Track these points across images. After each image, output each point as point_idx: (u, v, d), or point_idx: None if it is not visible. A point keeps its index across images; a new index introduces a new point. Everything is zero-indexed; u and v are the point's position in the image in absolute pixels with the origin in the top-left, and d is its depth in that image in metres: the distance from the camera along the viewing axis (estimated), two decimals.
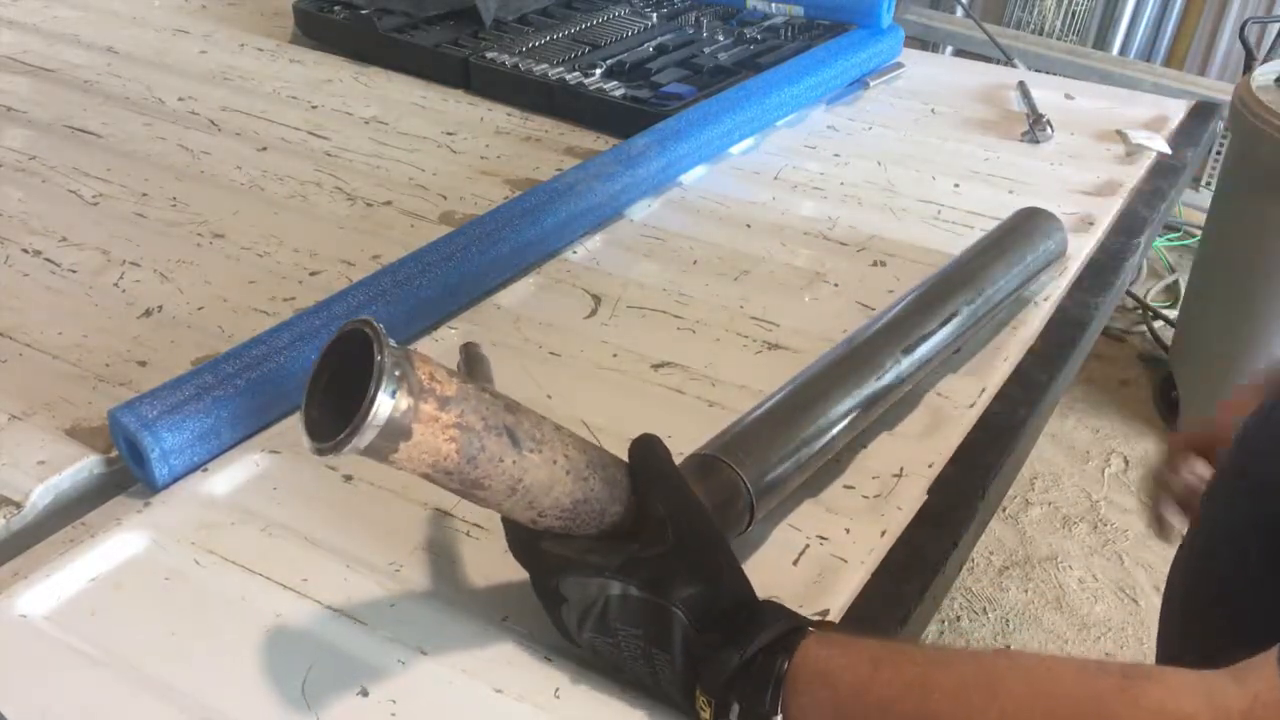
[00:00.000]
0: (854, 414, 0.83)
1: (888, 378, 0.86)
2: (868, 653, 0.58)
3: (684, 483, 0.66)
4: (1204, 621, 0.80)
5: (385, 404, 0.53)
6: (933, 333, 0.90)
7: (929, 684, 0.55)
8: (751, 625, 0.60)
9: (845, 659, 0.58)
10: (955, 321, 0.92)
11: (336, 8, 1.67)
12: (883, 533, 0.78)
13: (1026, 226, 1.06)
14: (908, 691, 0.56)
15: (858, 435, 0.86)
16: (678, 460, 0.74)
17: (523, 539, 0.66)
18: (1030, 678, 0.53)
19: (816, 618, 0.70)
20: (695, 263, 1.14)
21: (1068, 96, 1.57)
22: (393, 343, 0.55)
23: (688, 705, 0.61)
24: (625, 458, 0.68)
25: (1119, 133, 1.44)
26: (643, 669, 0.63)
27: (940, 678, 0.56)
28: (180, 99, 1.48)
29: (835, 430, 0.81)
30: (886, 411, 0.89)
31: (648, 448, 0.67)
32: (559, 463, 0.62)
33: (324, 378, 0.58)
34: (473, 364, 0.77)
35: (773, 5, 1.73)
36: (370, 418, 0.53)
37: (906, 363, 0.88)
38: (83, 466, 0.82)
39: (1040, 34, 3.47)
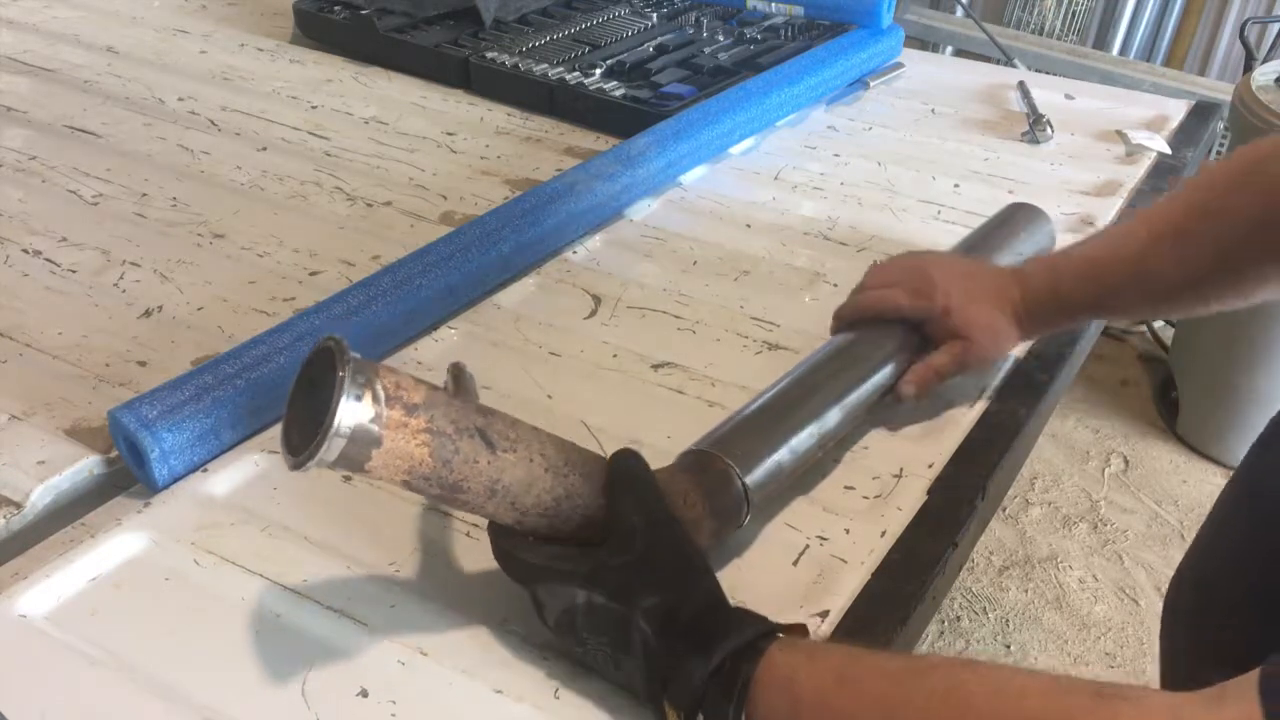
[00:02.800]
0: (848, 407, 0.83)
1: (879, 371, 0.86)
2: (834, 663, 0.58)
3: (659, 494, 0.66)
4: (1216, 644, 0.79)
5: (349, 412, 0.55)
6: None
7: (893, 700, 0.55)
8: (717, 634, 0.59)
9: (809, 669, 0.57)
10: None
11: (336, 8, 1.67)
12: (883, 533, 0.78)
13: (1013, 220, 1.07)
14: (872, 707, 0.55)
15: (857, 435, 0.87)
16: (672, 459, 0.74)
17: (502, 546, 0.66)
18: (998, 695, 0.52)
19: (808, 620, 0.71)
20: (695, 263, 1.14)
21: (1068, 96, 1.57)
22: (357, 355, 0.56)
23: (657, 713, 0.61)
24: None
25: (1119, 133, 1.44)
26: (615, 676, 0.63)
27: (906, 693, 0.55)
28: (180, 99, 1.48)
29: (830, 423, 0.81)
30: (886, 411, 0.89)
31: (627, 460, 0.67)
32: (536, 461, 0.63)
33: (300, 401, 0.59)
34: (459, 383, 0.78)
35: (773, 5, 1.73)
36: (335, 427, 0.54)
37: (898, 356, 0.88)
38: (83, 466, 0.82)
39: (1040, 34, 3.47)
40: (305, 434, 0.57)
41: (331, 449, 0.55)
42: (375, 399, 0.56)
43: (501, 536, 0.66)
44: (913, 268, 0.91)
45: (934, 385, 0.88)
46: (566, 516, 0.64)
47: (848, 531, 0.79)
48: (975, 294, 0.88)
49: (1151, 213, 0.85)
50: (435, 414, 0.59)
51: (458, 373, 0.79)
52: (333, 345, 0.56)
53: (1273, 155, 0.78)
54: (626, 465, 0.67)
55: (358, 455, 0.56)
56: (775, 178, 1.33)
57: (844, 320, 0.93)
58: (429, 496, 0.61)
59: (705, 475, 0.72)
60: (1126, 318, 0.95)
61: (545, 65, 1.51)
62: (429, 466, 0.58)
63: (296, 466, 0.56)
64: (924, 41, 3.19)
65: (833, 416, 0.82)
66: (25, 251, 1.12)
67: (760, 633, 0.60)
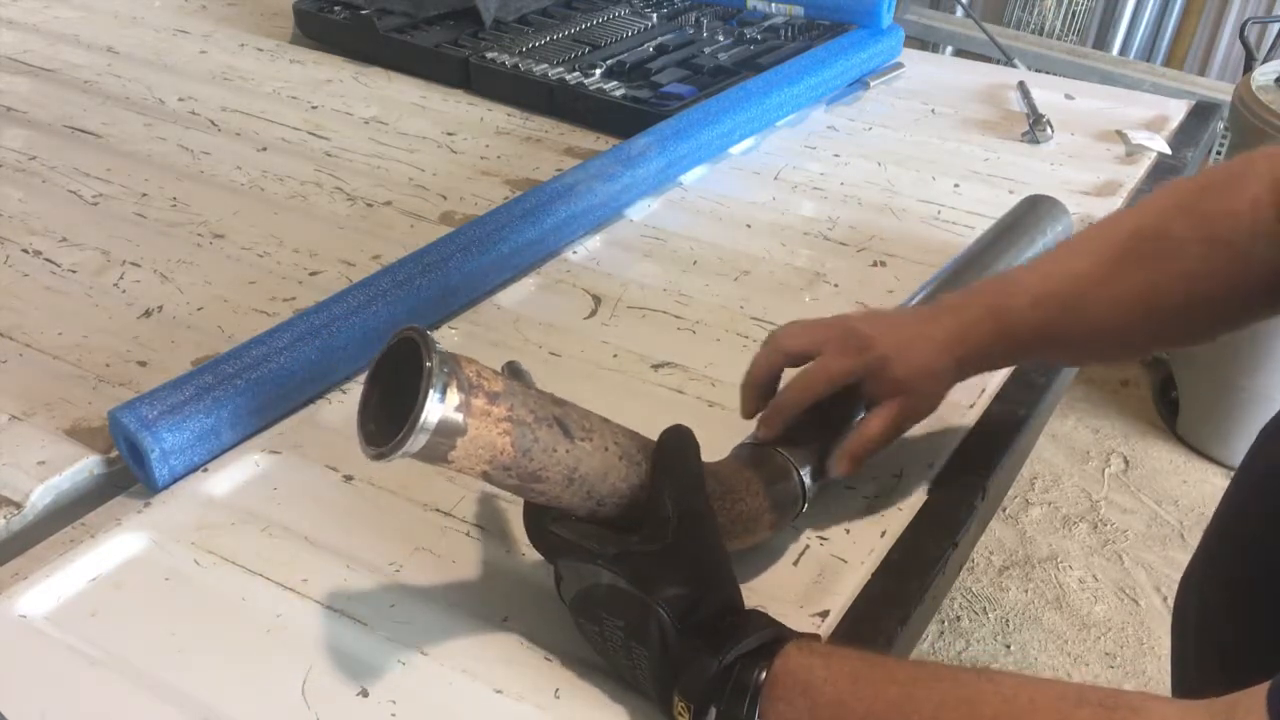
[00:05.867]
0: None
1: None
2: (849, 666, 0.58)
3: (700, 483, 0.65)
4: (1225, 647, 0.79)
5: (437, 402, 0.55)
6: None
7: (908, 704, 0.56)
8: (733, 632, 0.59)
9: (826, 671, 0.58)
10: None
11: (336, 8, 1.67)
12: (883, 533, 0.78)
13: (1034, 213, 1.08)
14: (888, 710, 0.56)
15: None
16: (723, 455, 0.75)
17: (533, 516, 0.67)
18: (1009, 706, 0.53)
19: (807, 629, 0.70)
20: (695, 263, 1.14)
21: (1068, 96, 1.57)
22: (440, 346, 0.56)
23: (665, 707, 0.61)
24: None
25: (1119, 133, 1.44)
26: (623, 662, 0.63)
27: (920, 698, 0.56)
28: (180, 99, 1.48)
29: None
30: None
31: (679, 442, 0.66)
32: (611, 449, 0.63)
33: (376, 391, 0.59)
34: (519, 380, 0.78)
35: (773, 5, 1.73)
36: (424, 416, 0.54)
37: None
38: (83, 467, 0.82)
39: (1040, 34, 3.47)
40: (384, 423, 0.57)
41: (419, 439, 0.55)
42: (460, 388, 0.56)
43: (534, 509, 0.67)
44: (832, 325, 0.80)
45: (870, 455, 0.78)
46: (641, 505, 0.65)
47: (848, 531, 0.79)
48: (908, 337, 0.78)
49: (1101, 230, 0.79)
50: (515, 403, 0.59)
51: (515, 370, 0.79)
52: (416, 335, 0.56)
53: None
54: (673, 445, 0.66)
55: (442, 446, 0.56)
56: (775, 178, 1.33)
57: (779, 424, 0.77)
58: (505, 487, 0.61)
59: (765, 468, 0.73)
60: (1094, 350, 0.84)
61: (545, 65, 1.51)
62: (510, 455, 0.59)
63: (379, 457, 0.56)
64: (924, 41, 3.19)
65: None
66: (25, 251, 1.12)
67: (775, 637, 0.60)
